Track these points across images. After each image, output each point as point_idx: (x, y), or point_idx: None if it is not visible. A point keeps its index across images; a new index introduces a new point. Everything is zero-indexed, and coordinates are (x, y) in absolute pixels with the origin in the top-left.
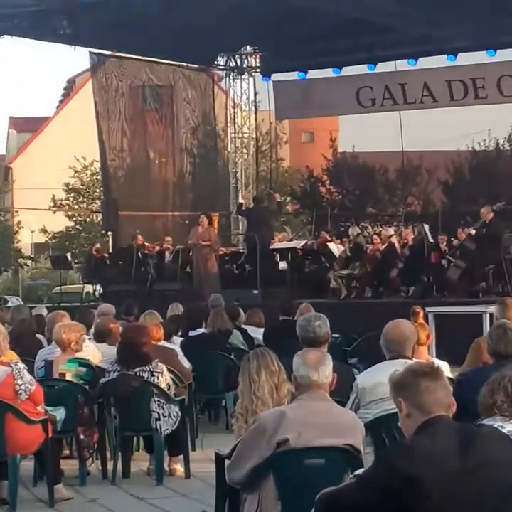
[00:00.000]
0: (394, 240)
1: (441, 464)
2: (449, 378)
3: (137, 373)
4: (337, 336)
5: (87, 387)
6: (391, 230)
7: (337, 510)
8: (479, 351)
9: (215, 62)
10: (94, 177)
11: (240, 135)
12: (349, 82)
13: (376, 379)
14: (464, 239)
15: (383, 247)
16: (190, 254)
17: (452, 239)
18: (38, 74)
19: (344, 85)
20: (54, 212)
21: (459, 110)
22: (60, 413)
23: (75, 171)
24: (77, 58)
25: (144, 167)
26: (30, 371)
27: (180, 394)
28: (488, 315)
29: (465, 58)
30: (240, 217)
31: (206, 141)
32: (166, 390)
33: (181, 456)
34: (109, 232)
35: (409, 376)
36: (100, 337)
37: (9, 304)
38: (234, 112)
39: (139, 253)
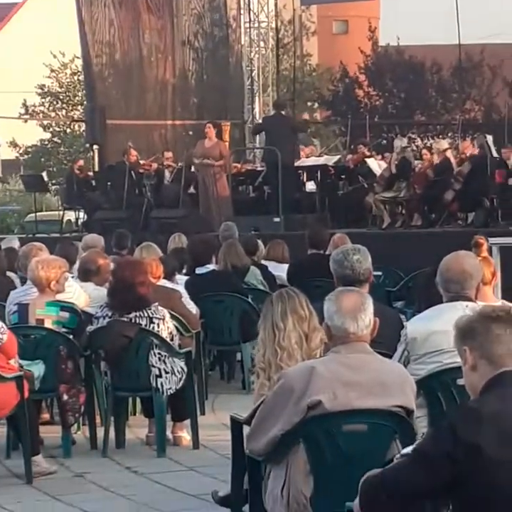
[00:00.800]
0: (449, 154)
1: None
2: None
3: (133, 320)
4: (379, 273)
5: (71, 336)
6: (445, 143)
7: (388, 496)
8: None
9: None
10: (76, 77)
11: (256, 25)
12: None
13: (431, 326)
14: None
15: (436, 163)
16: (196, 173)
17: None
18: None
19: None
20: (25, 122)
21: None
22: (38, 368)
23: (52, 70)
24: None
25: (137, 65)
26: (1, 317)
27: (186, 345)
28: None
29: None
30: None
31: (214, 33)
32: (168, 340)
33: (188, 422)
34: (95, 146)
35: (480, 320)
36: (85, 275)
37: None
38: None
39: (132, 172)
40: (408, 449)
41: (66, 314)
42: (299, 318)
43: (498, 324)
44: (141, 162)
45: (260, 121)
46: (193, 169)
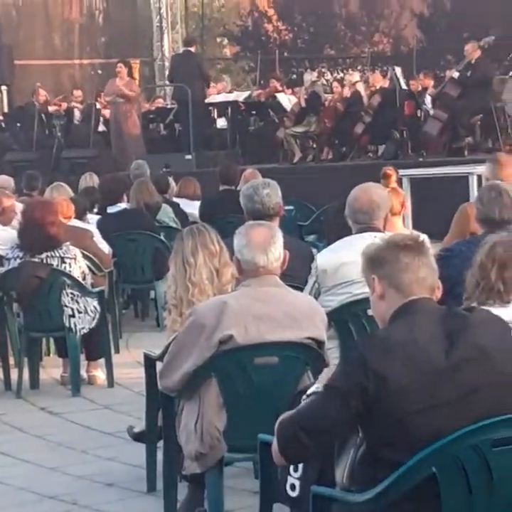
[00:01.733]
0: (359, 87)
1: (423, 359)
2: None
3: (44, 260)
4: (291, 208)
5: None
6: (356, 75)
7: (307, 434)
8: (466, 220)
9: None
10: None
11: None
12: None
13: (340, 258)
14: (444, 84)
15: (346, 96)
16: (107, 111)
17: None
18: None
19: None
20: None
21: None
22: None
23: None
24: None
25: (44, 4)
26: None
27: (99, 284)
28: (475, 177)
29: None
30: (166, 65)
31: None
32: (80, 279)
33: (102, 360)
34: (3, 87)
35: (388, 249)
36: None
37: None
38: None
39: (42, 113)
40: (313, 388)
41: None
42: (210, 254)
43: (406, 253)
44: (51, 101)
45: (169, 59)
46: (98, 106)
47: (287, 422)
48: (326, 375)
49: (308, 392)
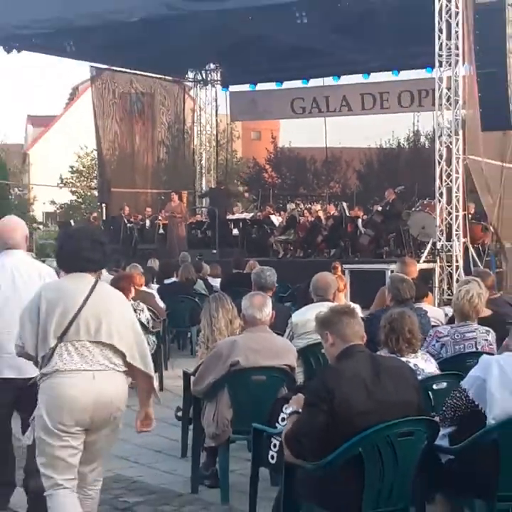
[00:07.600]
0: (320, 214)
1: (360, 382)
2: (361, 317)
3: None
4: (277, 285)
5: None
6: (318, 206)
7: (303, 436)
8: (383, 297)
9: (186, 76)
10: (93, 162)
11: (204, 132)
12: (287, 93)
13: (306, 316)
14: (372, 213)
15: (312, 219)
16: (166, 221)
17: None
18: (50, 81)
19: (283, 96)
20: (61, 189)
21: (370, 117)
22: None
23: (79, 157)
24: (80, 70)
25: (130, 155)
26: None
27: (157, 327)
28: (389, 271)
29: (375, 77)
30: (203, 196)
31: (177, 137)
32: (145, 323)
33: (157, 374)
34: (103, 204)
35: (335, 314)
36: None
37: None
38: (199, 115)
39: (126, 221)
40: (290, 409)
41: None
42: (226, 310)
43: (346, 315)
44: (131, 214)
45: (207, 190)
46: (160, 218)
47: (290, 434)
48: (294, 400)
49: (288, 411)
